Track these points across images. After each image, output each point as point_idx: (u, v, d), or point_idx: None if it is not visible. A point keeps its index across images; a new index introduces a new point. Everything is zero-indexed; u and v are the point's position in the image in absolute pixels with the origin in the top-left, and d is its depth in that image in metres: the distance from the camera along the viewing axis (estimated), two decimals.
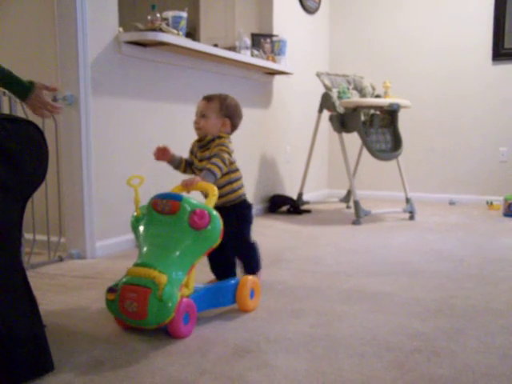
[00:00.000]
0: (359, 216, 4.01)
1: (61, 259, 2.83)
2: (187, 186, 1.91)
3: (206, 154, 2.10)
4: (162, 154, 2.15)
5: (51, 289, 2.33)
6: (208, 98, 2.16)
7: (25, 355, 1.40)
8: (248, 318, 1.94)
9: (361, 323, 1.88)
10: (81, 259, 2.87)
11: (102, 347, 1.67)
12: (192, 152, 2.20)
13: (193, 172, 2.19)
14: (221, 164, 1.99)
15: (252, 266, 2.23)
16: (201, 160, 2.12)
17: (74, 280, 2.48)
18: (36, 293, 1.52)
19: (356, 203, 4.03)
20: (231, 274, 2.25)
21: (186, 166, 2.21)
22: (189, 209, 1.79)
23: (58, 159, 2.84)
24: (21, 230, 1.51)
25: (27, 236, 2.68)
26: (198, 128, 2.14)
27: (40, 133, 1.54)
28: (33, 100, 1.77)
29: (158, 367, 1.53)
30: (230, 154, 2.06)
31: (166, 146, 2.16)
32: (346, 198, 4.93)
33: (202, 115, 2.13)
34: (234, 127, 2.19)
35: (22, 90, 1.75)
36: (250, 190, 4.37)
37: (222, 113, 2.13)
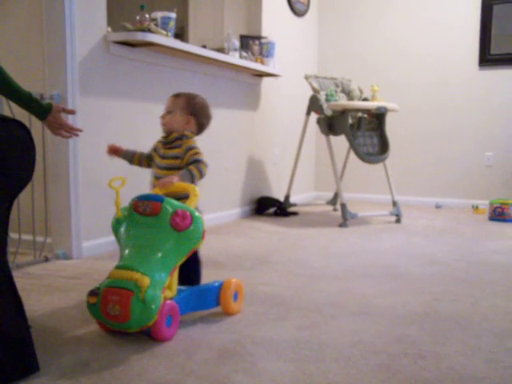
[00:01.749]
0: (346, 219, 4.02)
1: (47, 259, 2.80)
2: (164, 185, 1.89)
3: (173, 153, 2.05)
4: (114, 151, 2.17)
5: (37, 289, 2.31)
6: (176, 95, 2.14)
7: (9, 356, 1.39)
8: (234, 321, 1.94)
9: (347, 326, 1.89)
10: (67, 259, 2.84)
11: (88, 348, 1.66)
12: (155, 149, 2.14)
13: (148, 166, 2.16)
14: (204, 170, 1.97)
15: (192, 280, 2.03)
16: (163, 157, 2.06)
17: (59, 280, 2.46)
18: (21, 293, 1.50)
19: (343, 206, 4.05)
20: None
21: (140, 159, 2.18)
22: (170, 210, 1.77)
23: (44, 158, 2.82)
24: (6, 230, 1.49)
25: (12, 235, 2.65)
26: (162, 123, 2.11)
27: (27, 132, 1.53)
28: (51, 121, 1.88)
29: (143, 369, 1.52)
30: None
31: (116, 145, 2.17)
32: (332, 201, 4.94)
33: (168, 111, 2.11)
34: (200, 127, 2.14)
35: (41, 110, 1.86)
36: (237, 191, 4.37)
37: (187, 110, 2.09)
